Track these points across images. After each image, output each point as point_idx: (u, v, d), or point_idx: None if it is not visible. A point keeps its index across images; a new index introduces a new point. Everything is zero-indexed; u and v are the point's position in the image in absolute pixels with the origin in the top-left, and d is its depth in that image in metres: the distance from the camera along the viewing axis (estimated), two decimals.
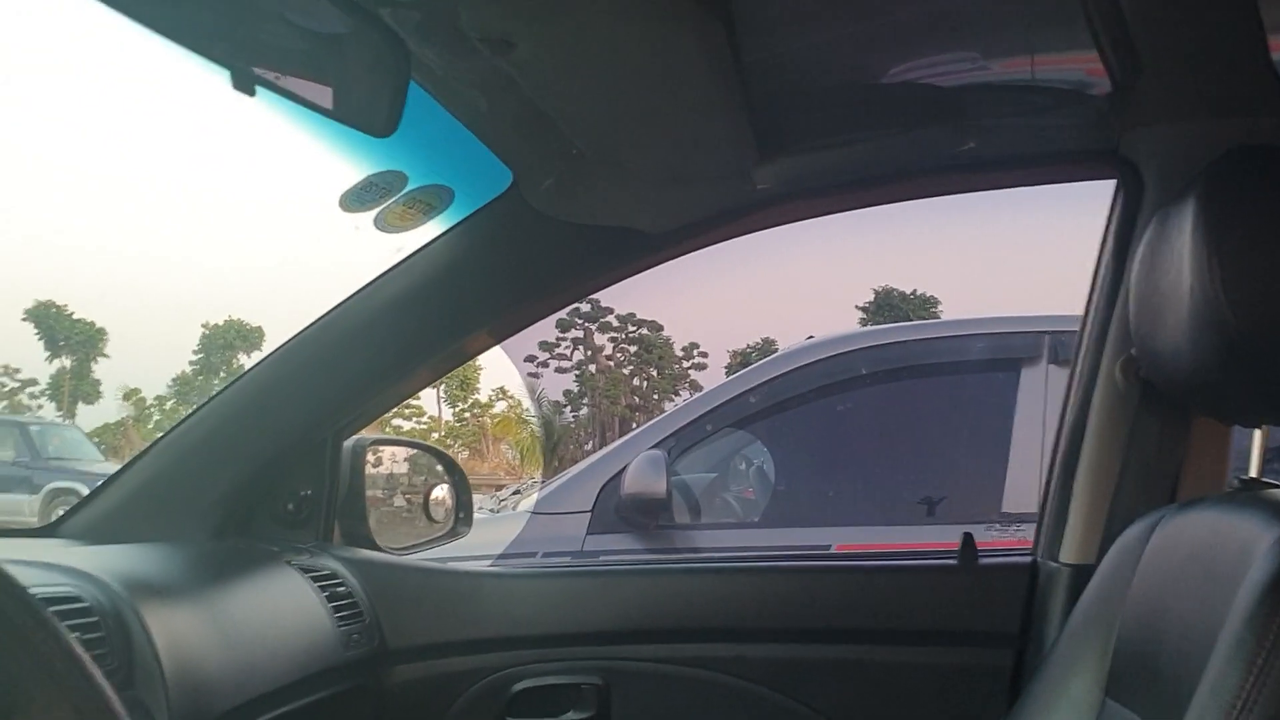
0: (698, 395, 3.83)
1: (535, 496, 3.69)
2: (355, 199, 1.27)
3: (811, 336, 4.12)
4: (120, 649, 0.96)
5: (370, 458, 1.72)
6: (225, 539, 1.50)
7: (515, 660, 1.54)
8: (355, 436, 1.63)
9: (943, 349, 3.64)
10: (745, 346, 27.63)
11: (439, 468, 1.87)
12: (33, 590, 0.94)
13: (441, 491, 1.84)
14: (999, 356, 3.50)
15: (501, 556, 3.38)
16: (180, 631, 1.07)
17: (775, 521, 3.54)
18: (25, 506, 13.61)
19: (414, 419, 25.27)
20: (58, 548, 1.35)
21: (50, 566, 1.01)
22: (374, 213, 1.31)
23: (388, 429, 13.14)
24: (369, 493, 1.74)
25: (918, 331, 4.17)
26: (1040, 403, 3.28)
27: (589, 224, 1.46)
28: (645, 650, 1.53)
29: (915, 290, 21.53)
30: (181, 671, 1.02)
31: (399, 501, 2.26)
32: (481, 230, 1.46)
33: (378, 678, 1.48)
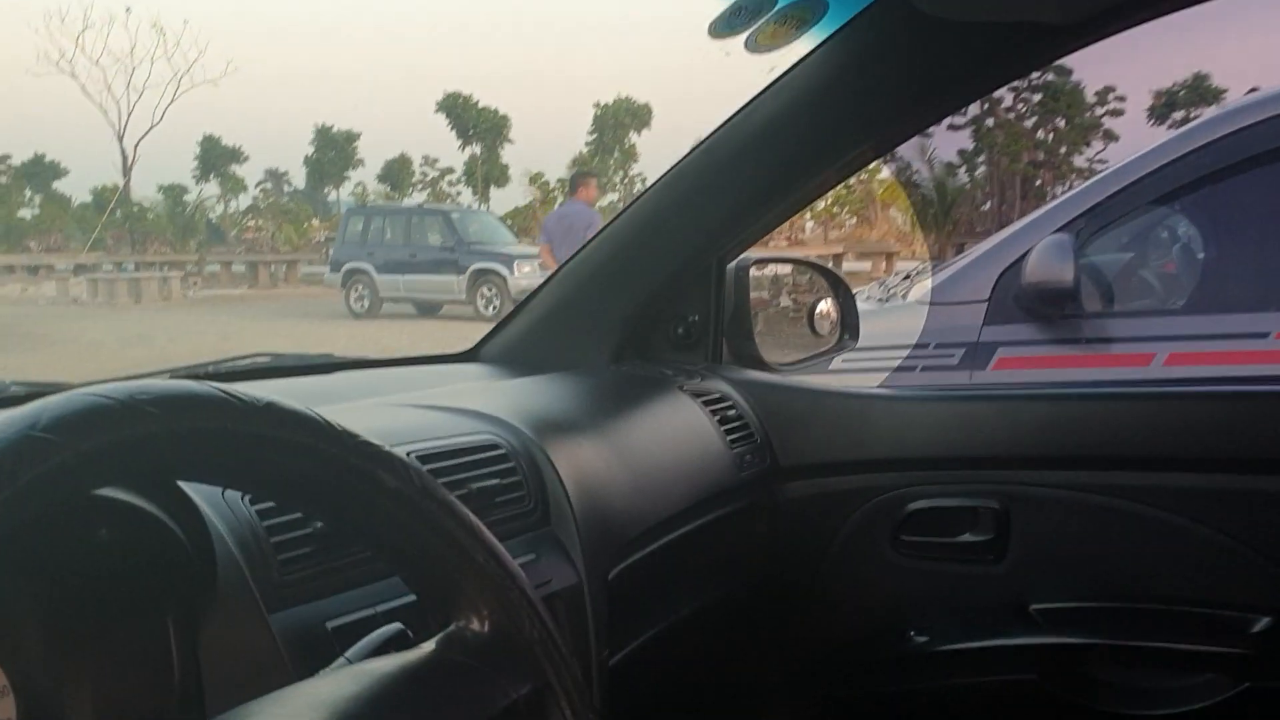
0: (1113, 168, 3.45)
1: (926, 284, 3.57)
2: (724, 25, 1.22)
3: (1256, 89, 3.56)
4: (535, 490, 1.05)
5: (755, 275, 1.73)
6: (622, 362, 1.58)
7: (907, 481, 1.52)
8: (739, 257, 1.64)
9: None
10: (1172, 85, 24.61)
11: (824, 282, 1.84)
12: (459, 440, 1.05)
13: (826, 305, 1.82)
14: None
15: (896, 346, 3.34)
16: (586, 466, 1.15)
17: (1203, 305, 3.19)
18: (454, 285, 15.43)
19: None
20: (480, 379, 1.48)
21: (474, 415, 1.11)
22: (744, 36, 1.25)
23: None
24: (754, 295, 1.75)
25: None
26: None
27: (982, 21, 1.31)
28: (1047, 476, 1.46)
29: None
30: (590, 505, 1.10)
31: (785, 301, 2.26)
32: (860, 39, 1.35)
33: (771, 495, 1.52)
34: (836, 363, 3.51)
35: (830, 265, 1.82)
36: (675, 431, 1.38)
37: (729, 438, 1.45)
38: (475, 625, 0.64)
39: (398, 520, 0.62)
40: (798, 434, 1.55)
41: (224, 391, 0.54)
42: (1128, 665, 1.42)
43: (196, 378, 1.25)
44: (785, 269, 2.19)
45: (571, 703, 0.66)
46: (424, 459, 0.96)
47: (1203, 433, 1.41)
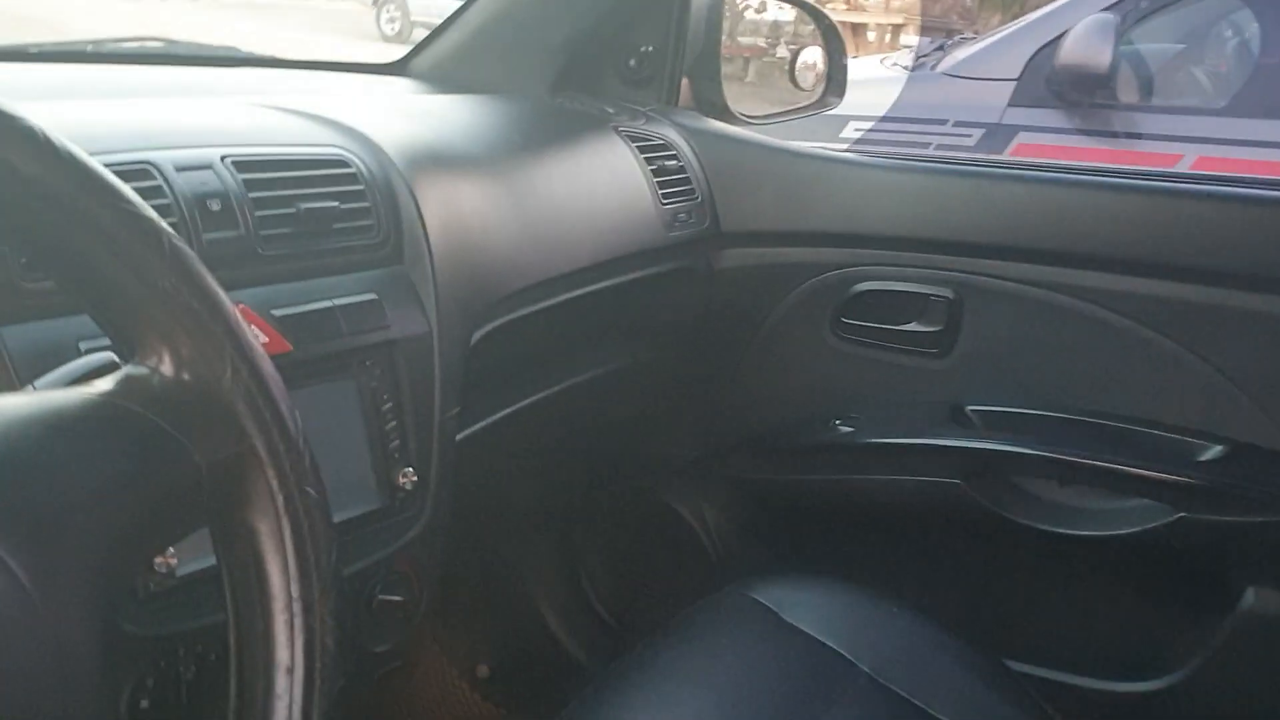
0: None
1: (958, 56, 3.29)
2: None
3: None
4: (388, 221, 0.90)
5: (731, 9, 1.52)
6: (562, 93, 1.41)
7: (857, 260, 1.37)
8: None
9: None
10: None
11: (817, 30, 1.63)
12: (301, 150, 0.90)
13: (812, 56, 1.62)
14: None
15: (911, 120, 3.11)
16: (463, 204, 1.00)
17: (1246, 109, 2.92)
18: None
19: None
20: (392, 93, 1.32)
21: (335, 126, 0.95)
22: None
23: None
24: (746, 42, 1.56)
25: None
26: None
27: None
28: (1009, 268, 1.31)
29: None
30: (458, 247, 0.96)
31: (783, 52, 2.04)
32: None
33: (705, 261, 1.38)
34: (848, 131, 3.30)
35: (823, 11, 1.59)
36: (596, 178, 1.22)
37: (662, 190, 1.29)
38: (165, 369, 0.51)
39: (45, 220, 0.47)
40: (745, 196, 1.39)
41: None
42: (1060, 480, 1.32)
43: (67, 59, 1.08)
44: (787, 14, 1.95)
45: (280, 474, 0.53)
46: (242, 164, 0.82)
47: (1197, 236, 1.23)
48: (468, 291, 0.96)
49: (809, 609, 1.10)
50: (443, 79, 1.41)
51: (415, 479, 0.89)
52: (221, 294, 0.52)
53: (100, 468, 0.47)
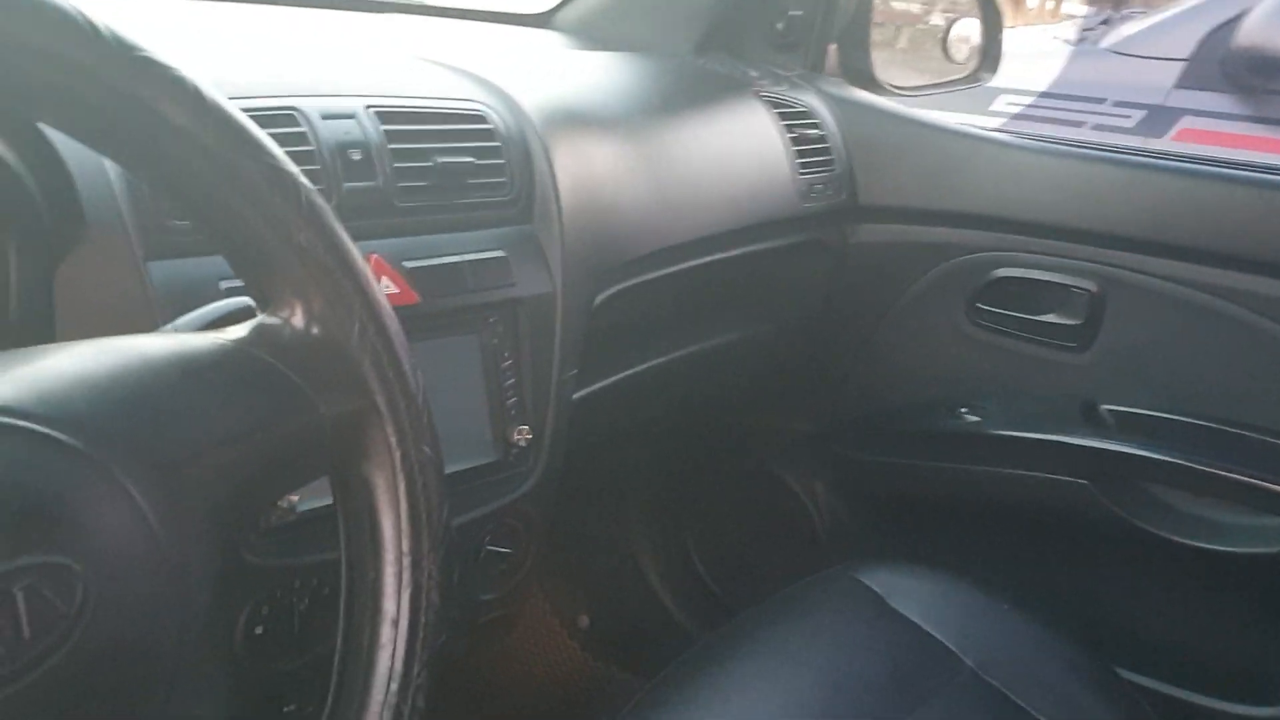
0: None
1: (1124, 31, 3.13)
2: None
3: None
4: (521, 179, 0.90)
5: None
6: (707, 54, 1.38)
7: (998, 244, 1.32)
8: None
9: None
10: None
11: (975, 2, 1.56)
12: (442, 103, 0.90)
13: (967, 27, 1.55)
14: None
15: (1067, 96, 2.97)
16: (596, 165, 0.99)
17: None
18: None
19: None
20: (533, 46, 1.31)
21: (475, 79, 0.95)
22: None
23: None
24: (899, 8, 1.51)
25: None
26: None
27: None
28: (1158, 264, 1.24)
29: None
30: (588, 209, 0.96)
31: (936, 21, 1.97)
32: None
33: (840, 234, 1.35)
34: (998, 104, 3.18)
35: None
36: (732, 143, 1.20)
37: (800, 159, 1.26)
38: (297, 321, 0.52)
39: (191, 170, 0.48)
40: (886, 170, 1.35)
41: None
42: (1193, 490, 1.25)
43: None
44: None
45: (399, 431, 0.54)
46: (384, 115, 0.82)
47: None
48: (594, 253, 0.96)
49: (916, 597, 1.08)
50: (587, 34, 1.40)
51: (530, 436, 0.90)
52: (355, 251, 0.53)
53: (229, 413, 0.48)
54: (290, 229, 0.51)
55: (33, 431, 0.39)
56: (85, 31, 0.43)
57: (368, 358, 0.53)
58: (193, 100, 0.47)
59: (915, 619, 1.05)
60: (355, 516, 0.55)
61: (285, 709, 0.83)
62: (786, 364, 1.44)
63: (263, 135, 0.50)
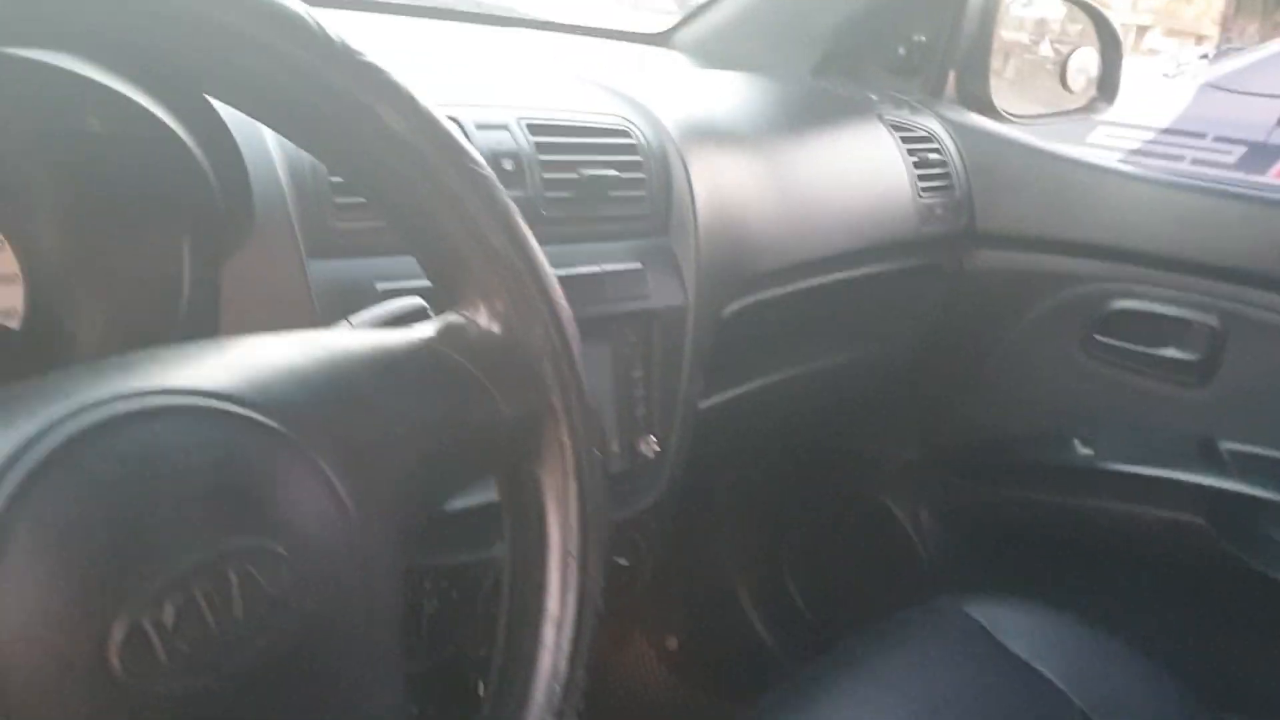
0: None
1: (1226, 67, 3.07)
2: None
3: None
4: (660, 193, 0.91)
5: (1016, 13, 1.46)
6: (825, 76, 1.38)
7: (1117, 275, 1.30)
8: None
9: None
10: None
11: (1093, 32, 1.55)
12: (588, 116, 0.91)
13: (1085, 56, 1.54)
14: None
15: (1167, 130, 2.92)
16: (729, 181, 1.00)
17: None
18: None
19: None
20: (657, 64, 1.33)
21: (615, 94, 0.96)
22: None
23: None
24: (1008, 37, 1.50)
25: None
26: None
27: None
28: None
29: None
30: (721, 224, 0.96)
31: (1046, 50, 1.96)
32: None
33: (957, 259, 1.33)
34: (1096, 135, 3.13)
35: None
36: (857, 164, 1.20)
37: (921, 185, 1.25)
38: (482, 320, 0.53)
39: (398, 171, 0.49)
40: (1005, 196, 1.33)
41: None
42: None
43: (349, 5, 1.12)
44: (1055, 10, 1.87)
45: (573, 432, 0.54)
46: (535, 127, 0.83)
47: None
48: (725, 266, 0.96)
49: (1025, 632, 1.06)
50: (706, 53, 1.41)
51: (658, 449, 0.90)
52: (542, 256, 0.54)
53: (421, 407, 0.49)
54: (485, 232, 0.52)
55: (245, 417, 0.40)
56: (314, 34, 0.44)
57: (548, 359, 0.54)
58: (408, 106, 0.48)
59: (1023, 655, 1.02)
60: (523, 515, 0.56)
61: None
62: (894, 388, 1.42)
63: (466, 141, 0.51)
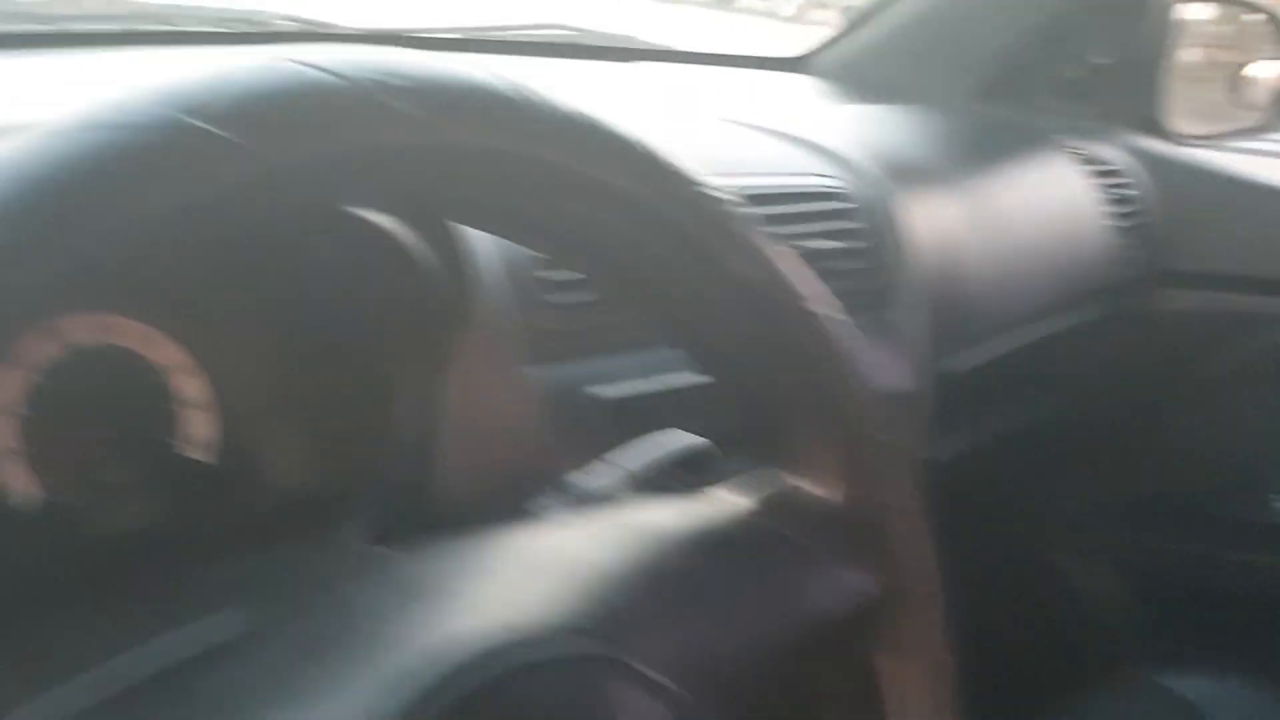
0: None
1: None
2: None
3: None
4: (881, 261, 0.80)
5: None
6: (988, 103, 1.27)
7: None
8: None
9: None
10: None
11: (1268, 39, 1.41)
12: (799, 180, 0.81)
13: (1263, 68, 1.41)
14: None
15: None
16: (945, 236, 0.89)
17: None
18: None
19: None
20: (811, 97, 1.22)
21: (814, 148, 0.85)
22: None
23: None
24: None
25: None
26: None
27: None
28: None
29: None
30: (943, 288, 0.85)
31: (1194, 57, 1.82)
32: None
33: (1147, 302, 1.22)
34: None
35: None
36: (1051, 203, 1.08)
37: (1112, 221, 1.14)
38: (815, 487, 0.44)
39: (732, 315, 0.41)
40: (1199, 230, 1.21)
41: (513, 90, 0.33)
42: None
43: (462, 47, 1.02)
44: (1206, 10, 1.73)
45: (924, 621, 0.46)
46: (755, 200, 0.73)
47: None
48: (945, 336, 0.85)
49: (1236, 711, 0.95)
50: (851, 80, 1.29)
51: None
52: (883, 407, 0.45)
53: (763, 601, 0.41)
54: (829, 384, 0.42)
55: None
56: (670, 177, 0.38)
57: (897, 535, 0.45)
58: (751, 251, 0.39)
59: None
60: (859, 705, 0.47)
61: None
62: (1069, 438, 1.31)
63: (804, 276, 0.42)
